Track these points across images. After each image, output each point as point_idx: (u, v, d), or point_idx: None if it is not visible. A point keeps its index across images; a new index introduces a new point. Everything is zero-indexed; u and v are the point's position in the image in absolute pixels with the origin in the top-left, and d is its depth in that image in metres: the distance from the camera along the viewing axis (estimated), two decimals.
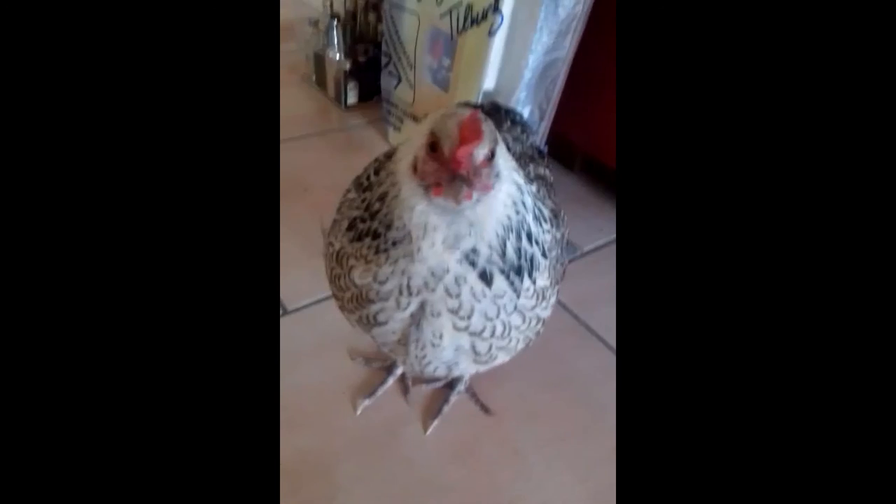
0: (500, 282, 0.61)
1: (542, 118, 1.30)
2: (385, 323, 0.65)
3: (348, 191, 0.74)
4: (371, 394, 0.95)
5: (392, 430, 0.92)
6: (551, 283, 0.68)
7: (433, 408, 0.95)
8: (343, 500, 0.82)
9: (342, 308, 0.70)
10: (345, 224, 0.67)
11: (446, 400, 0.95)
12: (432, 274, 0.60)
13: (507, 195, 0.59)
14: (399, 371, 0.98)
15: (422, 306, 0.63)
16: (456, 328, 0.64)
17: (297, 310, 1.09)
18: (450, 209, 0.57)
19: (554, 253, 0.69)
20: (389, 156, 0.72)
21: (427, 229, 0.58)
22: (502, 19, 1.18)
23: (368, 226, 0.62)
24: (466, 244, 0.59)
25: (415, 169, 0.58)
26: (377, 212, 0.61)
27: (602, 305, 1.16)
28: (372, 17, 1.82)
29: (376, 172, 0.68)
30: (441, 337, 0.64)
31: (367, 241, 0.62)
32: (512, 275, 0.62)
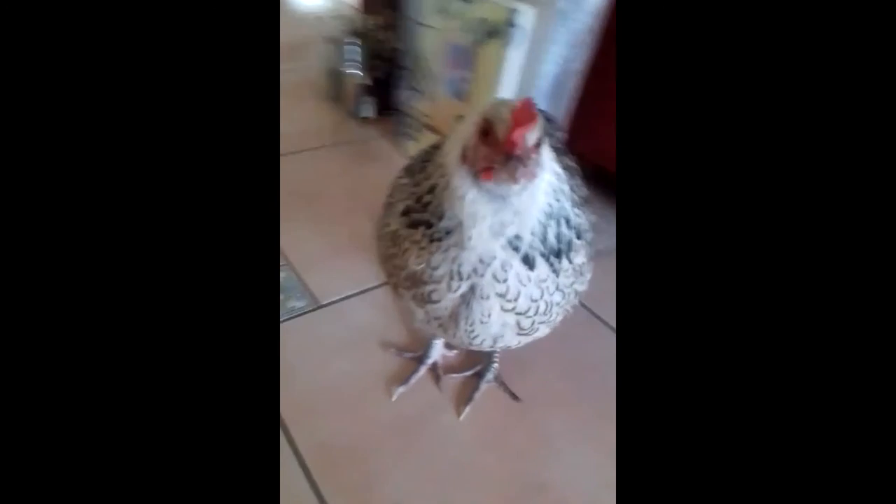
0: (541, 265, 0.67)
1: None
2: (438, 301, 0.70)
3: (400, 176, 0.79)
4: (405, 382, 0.98)
5: (425, 417, 0.95)
6: (587, 259, 0.73)
7: (464, 395, 0.99)
8: (379, 485, 0.84)
9: (397, 285, 0.74)
10: (400, 207, 0.72)
11: (476, 388, 0.99)
12: (480, 261, 0.65)
13: (548, 184, 0.64)
14: (430, 361, 1.01)
15: (472, 288, 0.68)
16: (504, 309, 0.69)
17: (329, 304, 1.13)
18: (497, 197, 0.62)
19: (589, 235, 0.75)
20: (437, 147, 0.77)
21: (477, 218, 0.63)
22: (519, 32, 1.25)
23: (421, 216, 0.67)
24: (510, 231, 0.64)
25: (464, 158, 0.63)
26: (428, 203, 0.66)
27: (613, 300, 1.21)
28: (384, 35, 1.90)
29: (422, 167, 0.73)
30: (489, 316, 0.69)
31: (422, 229, 0.67)
32: (552, 258, 0.67)
